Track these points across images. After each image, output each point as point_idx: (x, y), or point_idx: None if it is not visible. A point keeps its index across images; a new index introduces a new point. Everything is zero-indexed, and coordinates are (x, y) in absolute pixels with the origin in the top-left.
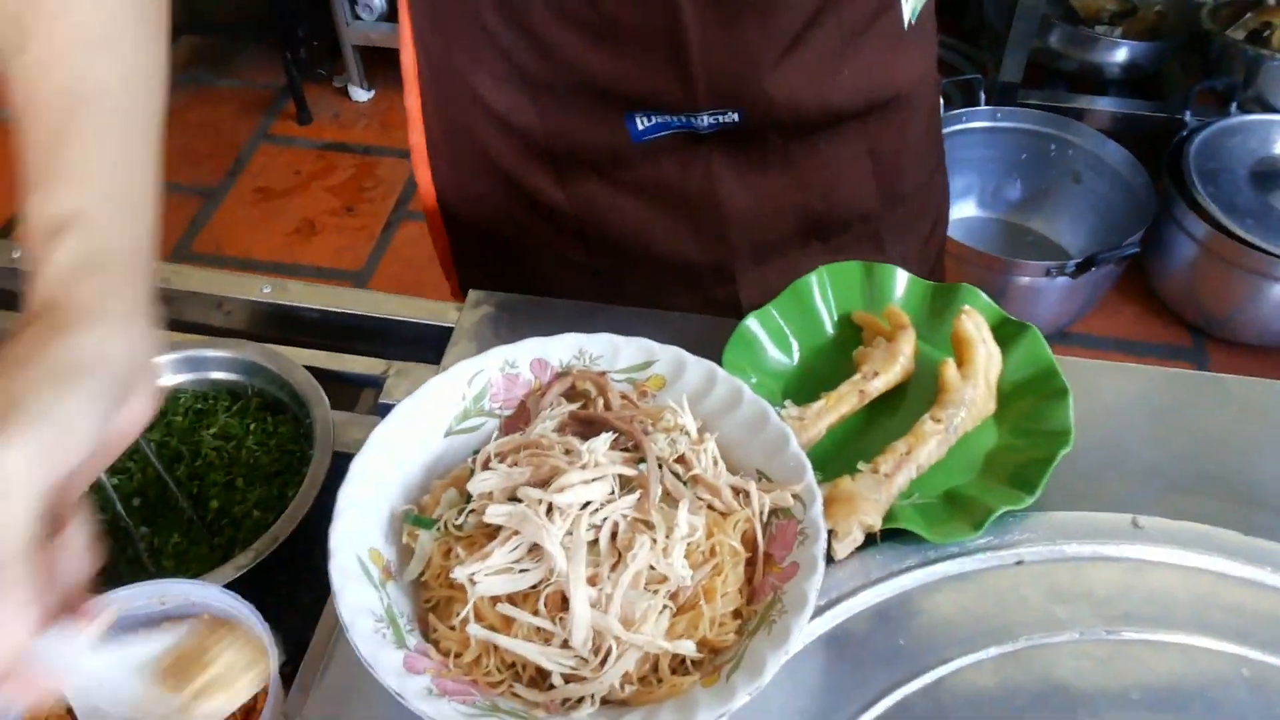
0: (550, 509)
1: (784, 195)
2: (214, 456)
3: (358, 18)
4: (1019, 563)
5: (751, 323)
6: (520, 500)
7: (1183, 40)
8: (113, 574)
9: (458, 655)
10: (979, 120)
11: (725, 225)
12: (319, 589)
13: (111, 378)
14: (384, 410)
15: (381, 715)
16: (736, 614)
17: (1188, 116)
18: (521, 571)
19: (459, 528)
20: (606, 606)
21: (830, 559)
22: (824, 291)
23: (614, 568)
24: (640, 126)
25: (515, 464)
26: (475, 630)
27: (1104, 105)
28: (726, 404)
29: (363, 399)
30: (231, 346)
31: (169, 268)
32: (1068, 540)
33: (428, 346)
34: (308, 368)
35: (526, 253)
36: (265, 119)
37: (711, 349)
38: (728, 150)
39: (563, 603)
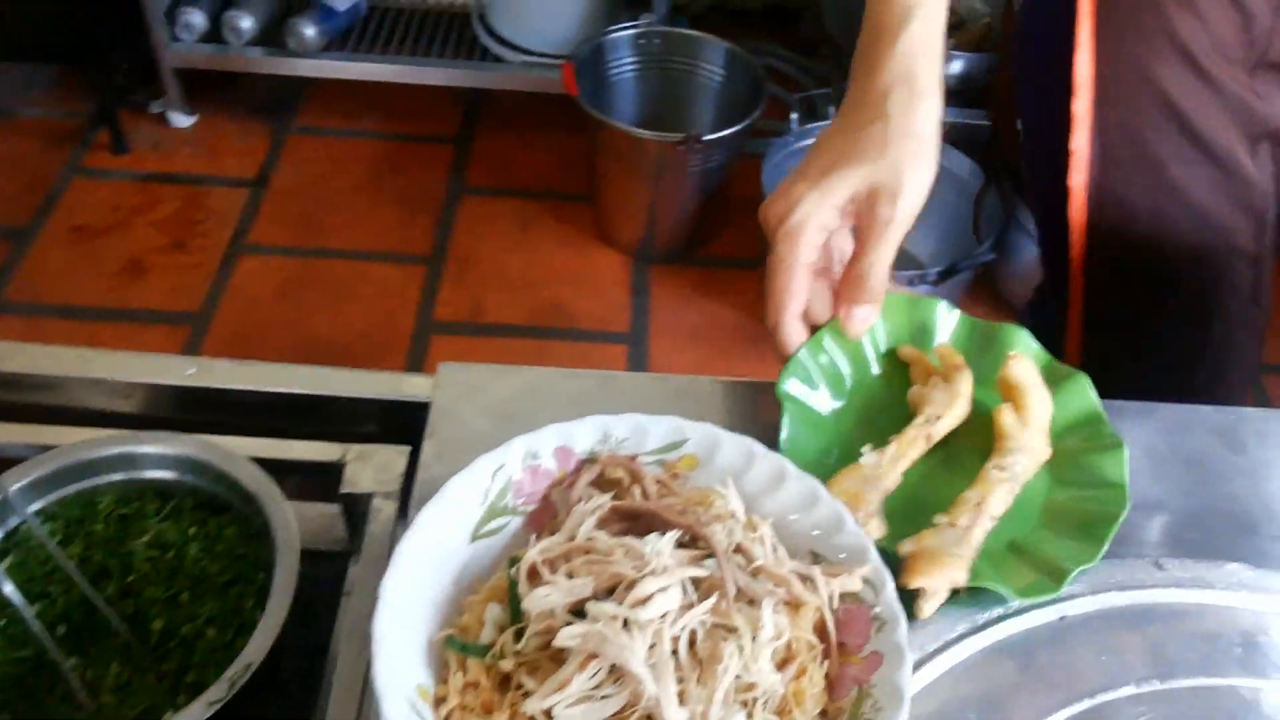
0: (625, 623)
1: None
2: (148, 569)
3: (177, 39)
4: (1062, 618)
5: (804, 354)
6: (588, 616)
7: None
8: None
9: None
10: None
11: None
12: (292, 711)
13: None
14: (346, 500)
15: None
16: (822, 714)
17: (1020, 125)
18: (603, 698)
19: (517, 653)
20: None
21: (912, 618)
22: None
23: (699, 680)
24: None
25: (571, 573)
26: None
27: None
28: (769, 482)
29: (302, 485)
30: (162, 441)
31: (44, 350)
32: (1104, 590)
33: (374, 423)
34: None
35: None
36: (76, 150)
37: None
38: None
39: None
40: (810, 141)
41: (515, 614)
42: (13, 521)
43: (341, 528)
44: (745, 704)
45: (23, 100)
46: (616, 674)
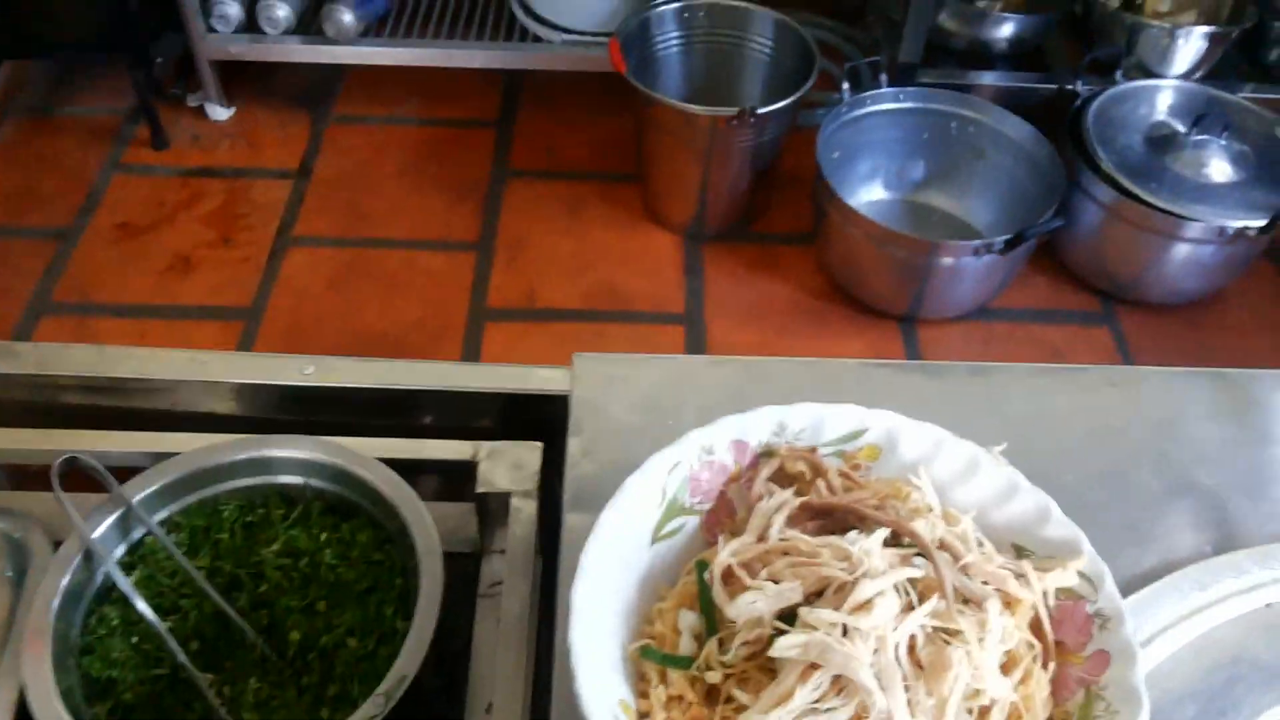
0: (845, 630)
1: None
2: (280, 578)
3: (213, 30)
4: (1268, 605)
5: None
6: (801, 623)
7: (1062, 11)
8: None
9: None
10: (884, 103)
11: None
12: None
13: None
14: (481, 500)
15: None
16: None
17: (1079, 86)
18: (828, 710)
19: (723, 663)
20: None
21: None
22: None
23: (926, 690)
24: None
25: (773, 577)
26: None
27: (996, 80)
28: (961, 472)
29: (424, 484)
30: (288, 444)
31: (153, 353)
32: None
33: (494, 418)
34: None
35: None
36: (115, 147)
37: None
38: None
39: None
40: (864, 111)
41: (711, 621)
42: (137, 533)
43: (471, 527)
44: (970, 711)
45: (58, 99)
46: (839, 684)
